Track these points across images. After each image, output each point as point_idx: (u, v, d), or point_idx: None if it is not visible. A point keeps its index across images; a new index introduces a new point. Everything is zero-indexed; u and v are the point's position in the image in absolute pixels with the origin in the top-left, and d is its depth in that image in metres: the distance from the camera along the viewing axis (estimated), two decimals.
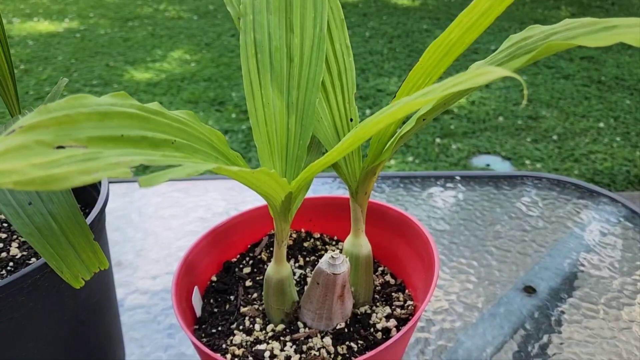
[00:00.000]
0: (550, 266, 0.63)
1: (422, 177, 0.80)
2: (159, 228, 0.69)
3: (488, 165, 2.05)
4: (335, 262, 0.36)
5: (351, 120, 0.38)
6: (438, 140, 2.18)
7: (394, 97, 0.33)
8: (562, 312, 0.56)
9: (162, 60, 2.99)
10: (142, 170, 1.94)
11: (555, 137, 2.20)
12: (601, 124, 2.29)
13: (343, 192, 0.76)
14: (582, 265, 0.63)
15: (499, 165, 2.05)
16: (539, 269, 0.62)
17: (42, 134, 0.19)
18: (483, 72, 0.21)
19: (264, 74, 0.36)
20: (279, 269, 0.38)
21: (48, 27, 3.53)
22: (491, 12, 0.29)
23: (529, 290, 0.60)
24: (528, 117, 2.37)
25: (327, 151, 0.38)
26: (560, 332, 0.54)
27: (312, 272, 0.41)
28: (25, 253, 0.41)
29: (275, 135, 0.36)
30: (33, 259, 0.40)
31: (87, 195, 0.45)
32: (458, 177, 0.80)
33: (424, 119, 0.32)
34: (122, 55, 3.07)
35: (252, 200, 0.74)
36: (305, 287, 0.42)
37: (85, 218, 0.38)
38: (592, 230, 0.68)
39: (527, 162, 2.04)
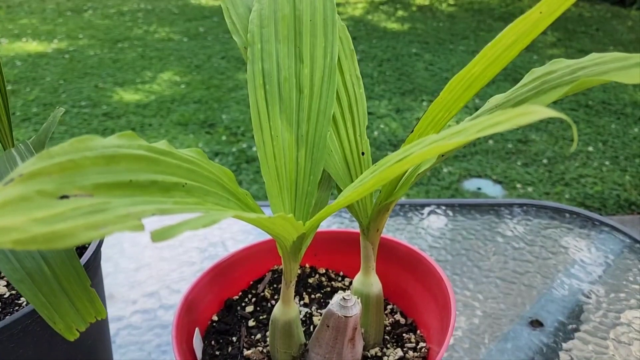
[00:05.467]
0: (557, 299, 0.61)
1: (422, 204, 0.78)
2: (153, 258, 0.67)
3: (479, 188, 2.05)
4: (347, 303, 0.34)
5: (362, 154, 0.36)
6: None
7: (411, 131, 0.31)
8: (571, 349, 0.54)
9: (151, 81, 2.97)
10: None
11: (545, 161, 2.21)
12: (590, 148, 2.31)
13: (340, 221, 0.74)
14: (589, 297, 0.61)
15: (490, 189, 2.05)
16: (545, 302, 0.61)
17: (44, 183, 0.17)
18: (526, 112, 0.19)
19: (273, 106, 0.34)
20: (287, 310, 0.35)
21: (36, 47, 3.50)
22: (516, 46, 0.27)
23: (536, 324, 0.58)
24: (518, 140, 2.38)
25: (337, 186, 0.37)
26: None
27: (321, 313, 0.39)
28: (14, 292, 0.39)
29: (284, 170, 0.34)
30: (22, 299, 0.38)
31: None
32: (458, 206, 0.78)
33: (442, 155, 0.31)
34: (112, 76, 3.04)
35: (249, 230, 0.72)
36: (312, 328, 0.40)
37: (80, 256, 0.36)
38: (596, 261, 0.67)
39: (518, 185, 2.04)
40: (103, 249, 0.69)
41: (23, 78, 2.97)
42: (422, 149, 0.22)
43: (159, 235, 0.17)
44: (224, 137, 2.33)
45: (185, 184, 0.22)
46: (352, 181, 0.36)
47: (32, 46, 3.53)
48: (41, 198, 0.16)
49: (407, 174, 0.33)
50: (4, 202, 0.16)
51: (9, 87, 2.83)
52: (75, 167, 0.18)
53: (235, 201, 0.27)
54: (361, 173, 0.36)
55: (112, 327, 0.56)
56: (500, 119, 0.20)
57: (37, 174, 0.17)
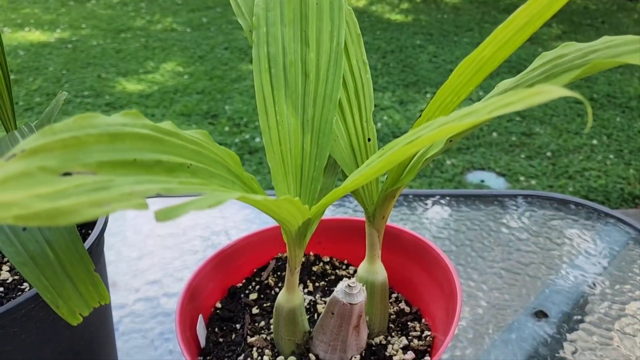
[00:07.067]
0: (561, 290, 0.61)
1: (426, 195, 0.78)
2: (155, 247, 0.66)
3: (482, 181, 2.04)
4: (352, 291, 0.34)
5: (369, 140, 0.36)
6: None
7: (419, 115, 0.31)
8: (575, 340, 0.54)
9: (154, 72, 2.96)
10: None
11: (549, 154, 2.20)
12: (594, 141, 2.30)
13: (344, 211, 0.74)
14: (593, 288, 0.61)
15: (494, 182, 2.04)
16: (550, 293, 0.60)
17: (46, 159, 0.17)
18: (540, 92, 0.19)
19: (278, 90, 0.34)
20: (291, 297, 0.35)
21: (39, 37, 3.49)
22: (528, 28, 0.27)
23: (540, 315, 0.57)
24: (522, 133, 2.36)
25: (343, 172, 0.36)
26: None
27: (325, 301, 0.39)
28: (17, 277, 0.39)
29: (290, 156, 0.33)
30: (25, 284, 0.38)
31: None
32: (462, 197, 0.78)
33: (450, 140, 0.30)
34: (114, 66, 3.04)
35: (252, 218, 0.71)
36: (316, 315, 0.40)
37: (83, 241, 0.36)
38: (601, 252, 0.67)
39: (522, 178, 2.03)
40: (105, 236, 0.69)
41: (26, 68, 2.97)
42: (431, 131, 0.21)
43: (163, 215, 0.17)
44: (226, 128, 2.33)
45: (190, 164, 0.22)
46: (358, 167, 0.35)
47: (35, 36, 3.52)
48: (43, 174, 0.16)
49: (414, 159, 0.32)
50: (5, 178, 0.15)
51: (11, 77, 2.82)
52: (78, 144, 0.18)
53: (241, 184, 0.26)
54: (367, 159, 0.36)
55: (115, 315, 0.56)
56: (513, 99, 0.19)
57: (39, 150, 0.17)
